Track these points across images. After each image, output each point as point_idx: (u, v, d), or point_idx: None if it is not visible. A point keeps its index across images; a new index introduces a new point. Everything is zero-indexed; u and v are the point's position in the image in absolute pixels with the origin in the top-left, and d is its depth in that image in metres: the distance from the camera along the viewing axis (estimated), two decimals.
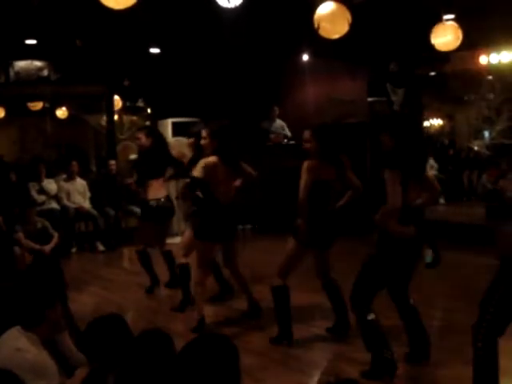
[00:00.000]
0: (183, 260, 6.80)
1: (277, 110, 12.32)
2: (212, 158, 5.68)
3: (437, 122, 18.74)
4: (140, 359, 2.63)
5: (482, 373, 3.69)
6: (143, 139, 7.29)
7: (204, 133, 5.90)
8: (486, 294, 3.70)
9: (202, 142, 5.93)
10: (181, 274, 6.86)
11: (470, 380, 3.74)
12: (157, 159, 7.32)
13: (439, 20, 8.30)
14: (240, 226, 5.93)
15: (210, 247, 5.94)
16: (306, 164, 5.19)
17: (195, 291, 6.09)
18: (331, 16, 6.97)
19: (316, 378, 4.92)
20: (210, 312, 6.30)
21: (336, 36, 7.15)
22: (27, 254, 7.96)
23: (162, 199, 7.31)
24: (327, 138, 5.32)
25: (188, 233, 6.76)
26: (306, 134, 5.36)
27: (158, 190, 7.33)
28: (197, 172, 5.66)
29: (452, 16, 8.42)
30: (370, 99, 13.48)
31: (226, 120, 6.37)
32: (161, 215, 7.34)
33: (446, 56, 10.14)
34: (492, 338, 3.65)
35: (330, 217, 5.43)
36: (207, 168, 5.64)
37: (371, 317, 4.56)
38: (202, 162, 5.69)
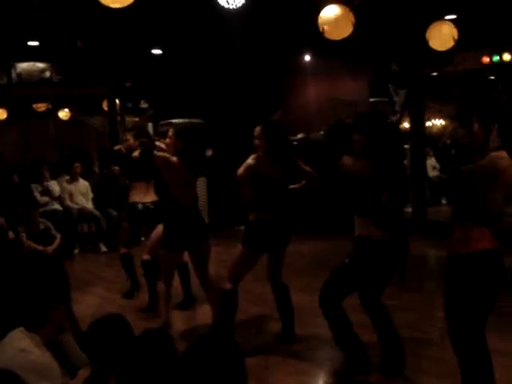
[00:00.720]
0: (146, 257, 6.89)
1: (280, 113, 12.28)
2: (173, 159, 5.52)
3: (439, 122, 18.74)
4: (141, 359, 2.64)
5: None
6: (131, 140, 7.14)
7: (170, 132, 5.79)
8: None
9: (167, 140, 5.82)
10: (145, 269, 6.93)
11: None
12: (143, 162, 7.18)
13: (437, 20, 8.29)
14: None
15: (173, 256, 5.82)
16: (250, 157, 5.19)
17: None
18: (335, 19, 6.99)
19: (317, 378, 4.93)
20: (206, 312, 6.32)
21: (341, 38, 7.17)
22: (30, 255, 7.98)
23: (148, 203, 7.18)
24: (276, 137, 5.24)
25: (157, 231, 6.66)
26: (257, 130, 5.31)
27: (142, 194, 7.23)
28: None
29: (454, 16, 8.42)
30: (371, 100, 13.48)
31: (200, 123, 6.41)
32: (144, 218, 7.18)
33: (448, 56, 10.14)
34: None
35: (280, 218, 5.28)
36: (165, 163, 5.50)
37: (337, 312, 4.50)
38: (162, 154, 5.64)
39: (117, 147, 7.37)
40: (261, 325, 6.02)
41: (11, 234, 8.55)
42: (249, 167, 5.18)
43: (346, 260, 4.54)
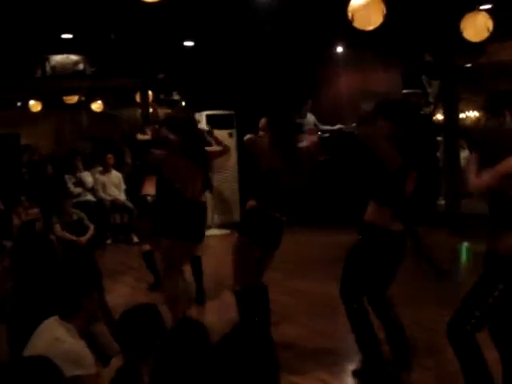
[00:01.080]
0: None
1: (309, 104, 12.24)
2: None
3: (473, 114, 18.50)
4: (177, 348, 2.65)
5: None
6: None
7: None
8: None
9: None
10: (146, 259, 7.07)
11: None
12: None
13: (475, 10, 8.16)
14: None
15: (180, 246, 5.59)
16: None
17: None
18: (365, 7, 6.90)
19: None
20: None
21: (370, 27, 7.08)
22: (58, 245, 8.06)
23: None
24: (281, 128, 5.20)
25: None
26: (262, 121, 5.25)
27: (151, 186, 7.26)
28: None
29: (489, 6, 8.29)
30: (404, 91, 13.34)
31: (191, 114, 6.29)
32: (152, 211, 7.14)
33: (481, 47, 9.99)
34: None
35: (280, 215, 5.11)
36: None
37: (356, 305, 4.45)
38: None
39: (139, 137, 7.36)
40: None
41: (39, 225, 8.64)
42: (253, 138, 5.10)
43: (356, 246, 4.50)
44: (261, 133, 5.17)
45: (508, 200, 3.43)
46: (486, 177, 3.37)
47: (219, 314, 6.33)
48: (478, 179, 3.42)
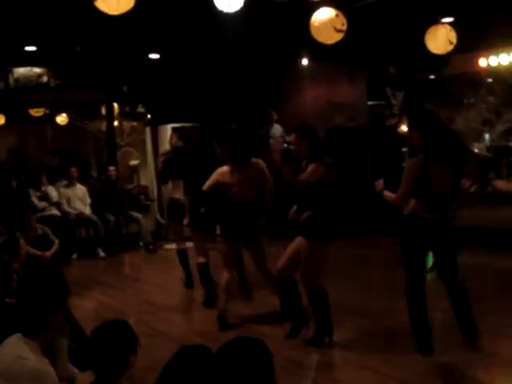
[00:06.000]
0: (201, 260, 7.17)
1: (275, 115, 12.32)
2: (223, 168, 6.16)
3: None
4: (179, 378, 2.54)
5: None
6: (174, 139, 8.11)
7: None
8: None
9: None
10: (200, 272, 7.22)
11: None
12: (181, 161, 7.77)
13: (437, 23, 8.28)
14: None
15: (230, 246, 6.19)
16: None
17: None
18: (327, 22, 6.96)
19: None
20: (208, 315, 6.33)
21: (331, 42, 7.14)
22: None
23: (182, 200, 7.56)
24: (316, 139, 5.43)
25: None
26: (293, 137, 5.52)
27: (177, 190, 7.73)
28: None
29: (451, 19, 8.41)
30: (369, 103, 13.48)
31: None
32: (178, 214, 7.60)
33: (445, 59, 10.14)
34: None
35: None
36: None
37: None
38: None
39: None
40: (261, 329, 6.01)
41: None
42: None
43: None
44: (292, 147, 5.55)
45: None
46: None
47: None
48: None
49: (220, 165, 6.28)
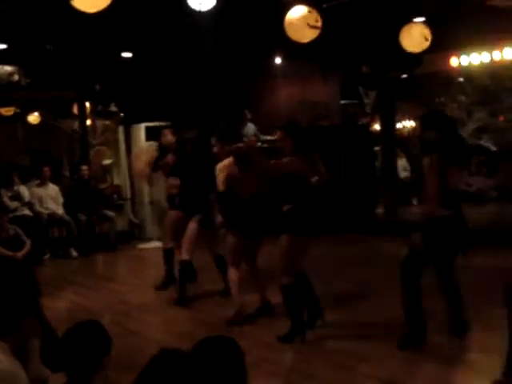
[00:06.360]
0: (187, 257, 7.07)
1: (248, 114, 12.33)
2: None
3: (409, 123, 18.88)
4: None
5: None
6: (169, 136, 7.92)
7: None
8: None
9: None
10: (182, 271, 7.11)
11: None
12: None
13: (409, 23, 8.33)
14: None
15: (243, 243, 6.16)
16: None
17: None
18: (300, 20, 6.97)
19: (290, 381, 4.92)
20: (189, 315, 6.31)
21: (305, 40, 7.16)
22: None
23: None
24: (301, 135, 5.56)
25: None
26: (279, 134, 5.59)
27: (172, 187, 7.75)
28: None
29: (422, 18, 8.47)
30: (342, 102, 13.53)
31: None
32: None
33: (417, 58, 10.20)
34: None
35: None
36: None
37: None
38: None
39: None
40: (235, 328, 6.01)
41: None
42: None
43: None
44: (278, 144, 5.59)
45: None
46: None
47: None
48: None
49: (217, 161, 6.40)
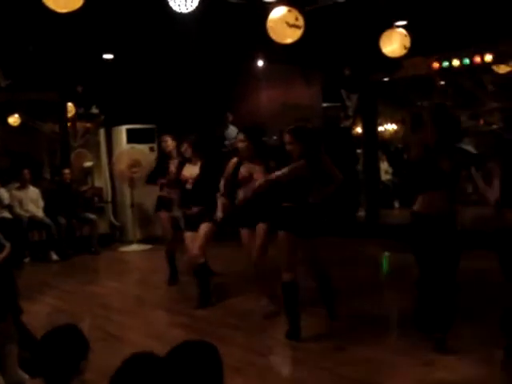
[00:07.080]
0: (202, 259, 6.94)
1: (230, 117, 12.31)
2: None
3: (391, 127, 18.96)
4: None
5: None
6: (169, 142, 8.20)
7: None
8: None
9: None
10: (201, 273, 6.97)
11: None
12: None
13: (391, 26, 8.37)
14: None
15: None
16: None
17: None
18: (283, 21, 6.97)
19: None
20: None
21: (288, 41, 7.16)
22: None
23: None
24: (310, 139, 5.64)
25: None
26: (287, 137, 5.59)
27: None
28: None
29: (404, 22, 8.51)
30: (324, 105, 13.55)
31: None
32: None
33: (398, 62, 10.25)
34: None
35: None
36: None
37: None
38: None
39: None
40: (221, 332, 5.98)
41: None
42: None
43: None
44: (288, 147, 5.57)
45: None
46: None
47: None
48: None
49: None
